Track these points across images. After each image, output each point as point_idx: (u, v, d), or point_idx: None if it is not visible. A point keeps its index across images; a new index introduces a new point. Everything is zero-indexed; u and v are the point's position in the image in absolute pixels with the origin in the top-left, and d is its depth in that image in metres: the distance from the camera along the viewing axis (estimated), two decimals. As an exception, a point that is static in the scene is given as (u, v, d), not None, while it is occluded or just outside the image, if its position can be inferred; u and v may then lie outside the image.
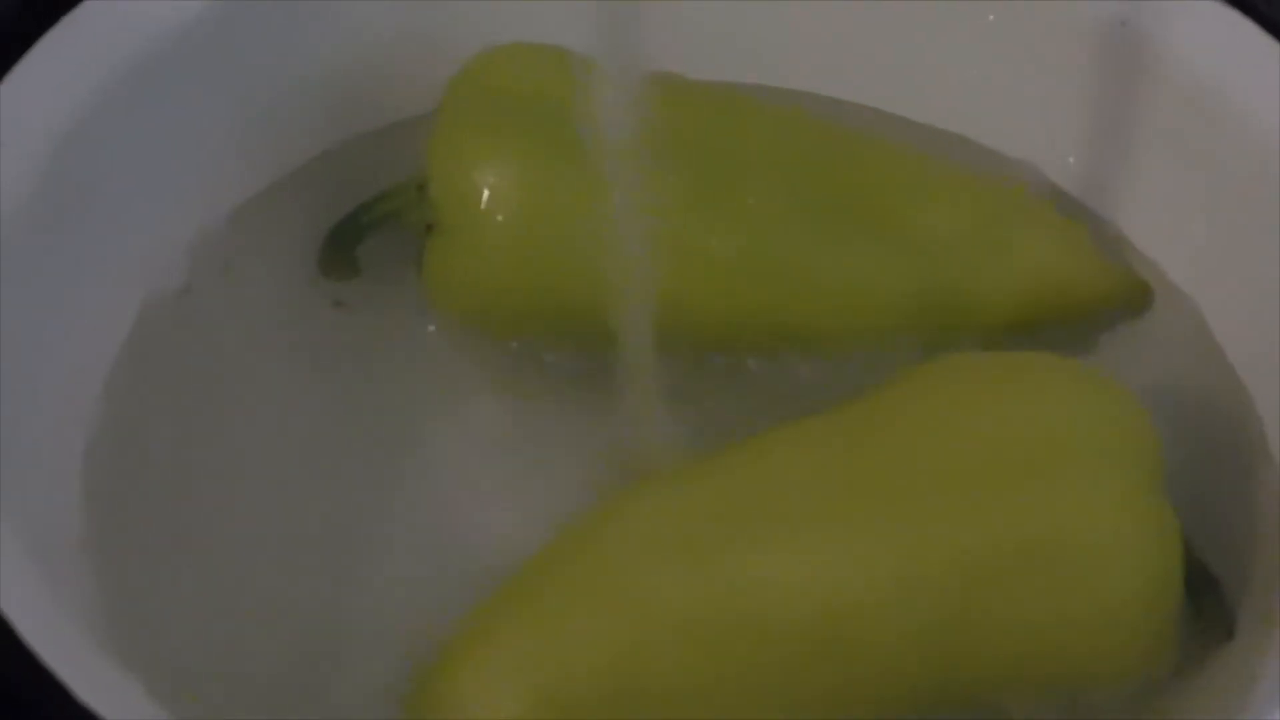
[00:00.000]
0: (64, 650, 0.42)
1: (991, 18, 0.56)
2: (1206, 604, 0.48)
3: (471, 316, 0.52)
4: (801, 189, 0.51)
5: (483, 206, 0.50)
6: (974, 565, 0.45)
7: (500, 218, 0.50)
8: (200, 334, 0.53)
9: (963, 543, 0.45)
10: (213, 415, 0.52)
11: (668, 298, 0.48)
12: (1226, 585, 0.48)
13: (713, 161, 0.51)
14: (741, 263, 0.50)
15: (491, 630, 0.46)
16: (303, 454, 0.51)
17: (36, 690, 0.41)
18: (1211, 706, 0.46)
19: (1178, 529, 0.46)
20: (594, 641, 0.45)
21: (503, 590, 0.47)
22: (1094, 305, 0.53)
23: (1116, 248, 0.55)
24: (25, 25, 0.51)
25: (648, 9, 0.45)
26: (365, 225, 0.53)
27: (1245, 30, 0.53)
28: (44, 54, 0.51)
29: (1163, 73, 0.53)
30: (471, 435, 0.52)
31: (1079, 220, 0.54)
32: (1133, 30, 0.54)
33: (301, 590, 0.49)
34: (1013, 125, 0.56)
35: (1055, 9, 0.55)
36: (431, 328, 0.53)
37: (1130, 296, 0.54)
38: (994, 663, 0.46)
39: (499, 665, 0.46)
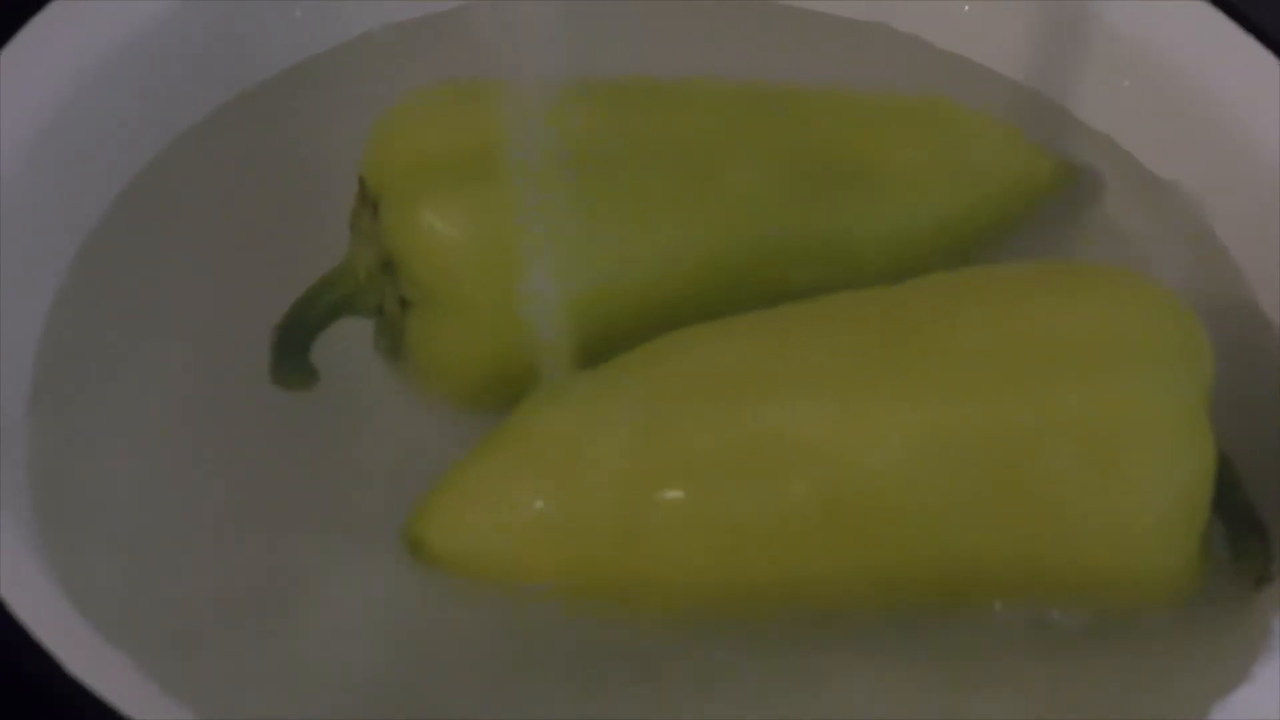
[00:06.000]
0: (55, 623, 0.42)
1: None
2: (1247, 545, 0.48)
3: (473, 389, 0.49)
4: (768, 161, 0.51)
5: (477, 269, 0.48)
6: (1005, 448, 0.45)
7: (500, 275, 0.47)
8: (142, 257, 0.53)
9: (996, 424, 0.45)
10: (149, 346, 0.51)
11: (677, 299, 0.49)
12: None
13: (676, 158, 0.50)
14: (733, 249, 0.50)
15: (495, 456, 0.47)
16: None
17: (29, 665, 0.41)
18: (1234, 648, 0.46)
19: (1213, 446, 0.46)
20: (603, 471, 0.45)
21: (514, 417, 0.47)
22: (1046, 195, 0.55)
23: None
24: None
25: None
26: (314, 323, 0.50)
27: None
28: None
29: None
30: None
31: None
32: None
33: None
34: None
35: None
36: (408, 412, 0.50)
37: (1071, 178, 0.55)
38: (1012, 556, 0.46)
39: (501, 493, 0.46)
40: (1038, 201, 0.55)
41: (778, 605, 0.46)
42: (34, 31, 0.52)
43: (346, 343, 0.50)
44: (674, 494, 0.45)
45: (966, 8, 0.58)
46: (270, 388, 0.50)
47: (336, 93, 0.56)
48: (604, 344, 0.48)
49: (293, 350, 0.49)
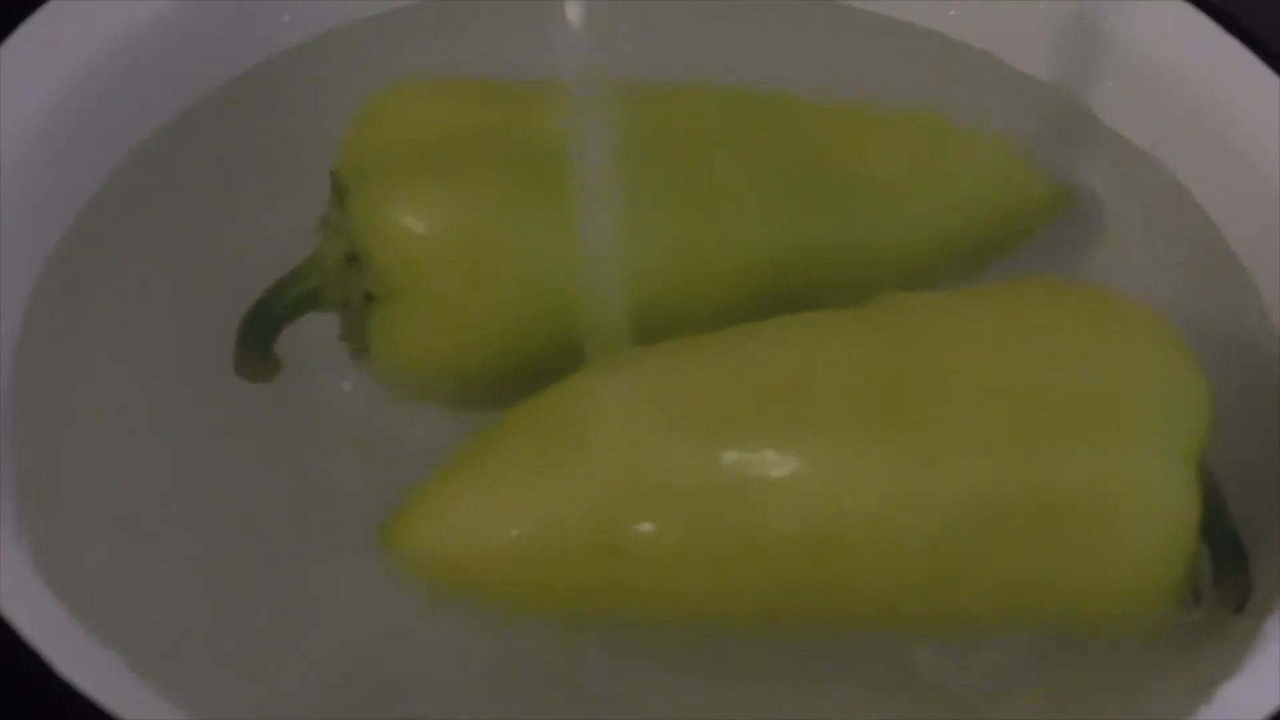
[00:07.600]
0: (47, 625, 0.42)
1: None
2: (1228, 573, 0.47)
3: (434, 385, 0.50)
4: (759, 168, 0.51)
5: (439, 263, 0.47)
6: (989, 509, 0.44)
7: (464, 271, 0.47)
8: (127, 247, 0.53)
9: (983, 485, 0.44)
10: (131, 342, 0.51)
11: (654, 308, 0.48)
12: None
13: (665, 159, 0.50)
14: (721, 254, 0.49)
15: (473, 467, 0.46)
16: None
17: (21, 667, 0.41)
18: (1226, 643, 0.46)
19: (1199, 510, 0.45)
20: (576, 489, 0.45)
21: (494, 426, 0.47)
22: (1034, 216, 0.54)
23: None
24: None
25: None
26: (281, 315, 0.49)
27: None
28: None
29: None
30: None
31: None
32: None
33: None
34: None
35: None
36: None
37: (1059, 200, 0.54)
38: (985, 606, 0.45)
39: (478, 503, 0.46)
40: (1030, 221, 0.54)
41: (759, 633, 0.46)
42: (25, 33, 0.52)
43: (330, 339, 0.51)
44: (645, 516, 0.45)
45: (952, 11, 0.58)
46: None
47: (316, 88, 0.55)
48: (589, 342, 0.48)
49: (256, 342, 0.49)
